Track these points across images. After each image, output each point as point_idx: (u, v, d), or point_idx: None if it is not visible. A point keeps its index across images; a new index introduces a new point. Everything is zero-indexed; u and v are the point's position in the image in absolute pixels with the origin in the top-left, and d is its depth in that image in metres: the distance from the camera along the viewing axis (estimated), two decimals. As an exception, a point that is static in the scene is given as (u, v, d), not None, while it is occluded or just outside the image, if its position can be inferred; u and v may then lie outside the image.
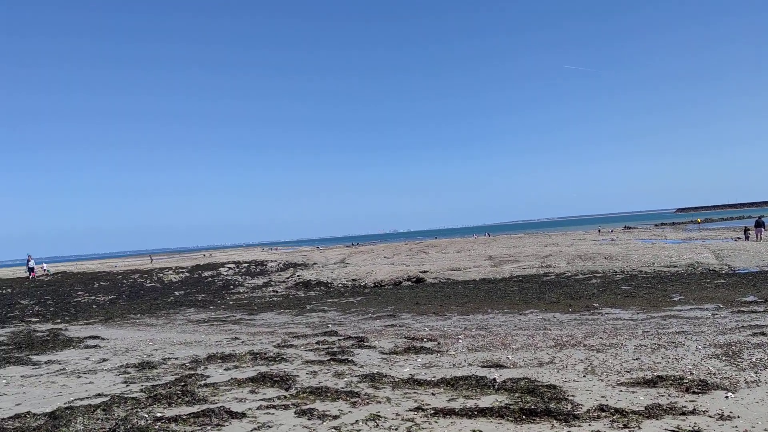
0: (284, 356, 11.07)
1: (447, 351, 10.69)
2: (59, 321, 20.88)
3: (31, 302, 27.18)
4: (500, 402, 7.00)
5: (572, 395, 7.14)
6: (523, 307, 17.09)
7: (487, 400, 7.13)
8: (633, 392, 7.17)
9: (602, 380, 7.85)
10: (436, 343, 11.60)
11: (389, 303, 20.44)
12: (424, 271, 31.08)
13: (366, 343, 12.00)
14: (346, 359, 10.29)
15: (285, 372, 9.49)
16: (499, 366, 9.15)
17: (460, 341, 11.64)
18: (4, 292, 32.59)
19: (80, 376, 10.40)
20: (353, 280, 30.26)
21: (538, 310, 16.30)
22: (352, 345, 11.92)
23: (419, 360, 9.98)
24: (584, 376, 8.13)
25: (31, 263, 44.90)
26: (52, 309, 24.64)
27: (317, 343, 12.55)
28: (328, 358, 10.57)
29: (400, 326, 14.65)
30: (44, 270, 48.41)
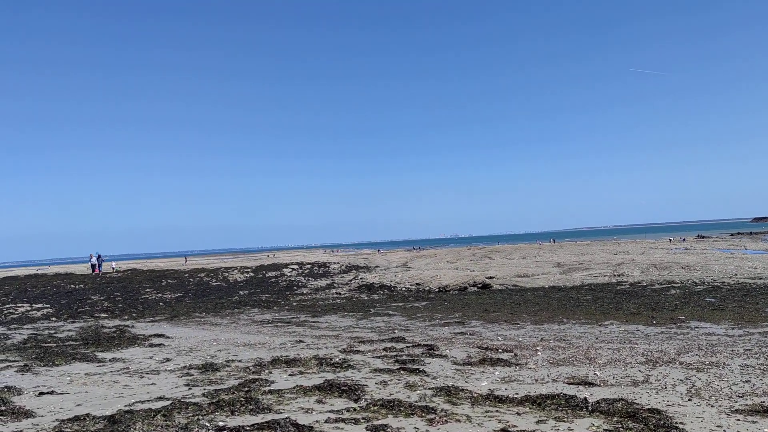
0: (351, 363, 10.51)
1: (526, 364, 9.89)
2: (126, 318, 21.06)
3: (101, 298, 27.70)
4: (598, 427, 6.20)
5: (681, 423, 6.26)
6: (601, 318, 16.04)
7: (581, 424, 6.34)
8: (753, 422, 6.24)
9: (712, 406, 6.92)
10: (512, 354, 10.81)
11: (456, 309, 19.67)
12: (490, 277, 30.11)
13: (437, 352, 11.32)
14: (417, 369, 9.63)
15: (353, 380, 8.92)
16: (587, 383, 8.30)
17: (539, 353, 10.81)
18: (76, 287, 33.48)
19: (143, 377, 10.13)
20: (417, 284, 29.60)
21: (618, 322, 15.23)
22: (422, 353, 11.25)
23: (497, 373, 9.23)
24: (689, 400, 7.21)
25: (93, 260, 46.32)
26: (120, 305, 24.99)
27: (384, 349, 11.95)
28: (398, 366, 9.93)
29: (470, 334, 13.88)
30: (112, 268, 49.75)
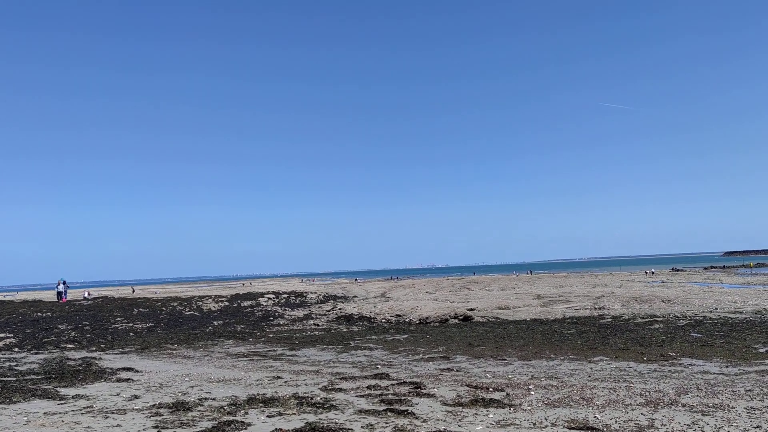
0: (333, 402, 9.84)
1: (520, 405, 9.30)
2: (94, 349, 20.07)
3: (69, 327, 26.56)
4: (611, 482, 5.64)
5: (700, 477, 5.73)
6: (589, 354, 15.56)
7: (592, 478, 5.77)
8: (778, 477, 5.73)
9: (729, 456, 6.41)
10: (504, 394, 10.23)
11: (439, 342, 19.07)
12: (471, 309, 29.59)
13: (424, 391, 10.69)
14: (405, 410, 8.99)
15: (337, 424, 8.25)
16: (589, 428, 7.74)
17: (532, 393, 10.24)
18: (44, 315, 32.22)
19: (107, 417, 9.33)
20: (397, 315, 28.94)
21: (607, 358, 14.76)
22: (409, 392, 10.62)
23: (491, 415, 8.63)
24: (703, 449, 6.70)
25: (60, 287, 44.95)
26: (88, 335, 23.93)
27: (368, 387, 11.29)
28: (384, 407, 9.28)
29: (457, 371, 13.28)
30: (84, 296, 48.30)
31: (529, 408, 9.08)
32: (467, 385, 11.18)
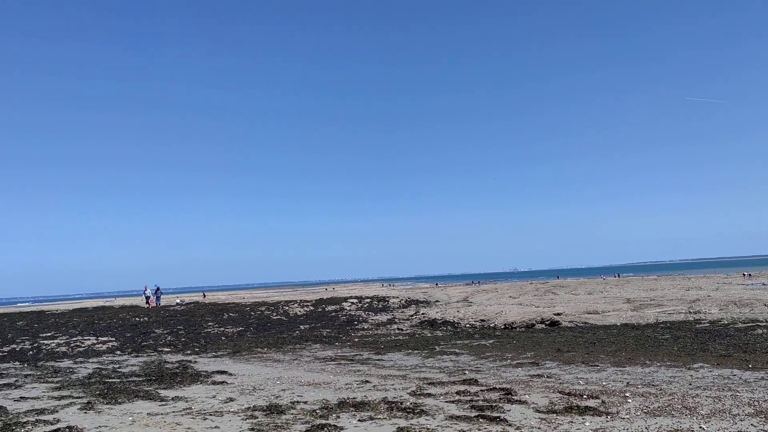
0: (423, 408, 9.81)
1: (617, 413, 8.96)
2: (189, 352, 20.90)
3: (165, 332, 27.81)
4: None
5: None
6: (687, 360, 14.81)
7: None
8: None
9: None
10: (599, 401, 9.89)
11: (526, 348, 18.68)
12: (558, 314, 28.85)
13: (515, 397, 10.49)
14: (498, 417, 8.85)
15: (428, 429, 8.22)
16: (695, 439, 7.37)
17: (629, 401, 9.85)
18: (141, 320, 33.86)
19: (206, 418, 9.68)
20: (481, 320, 28.61)
21: (708, 365, 14.01)
22: (499, 398, 10.45)
23: (587, 424, 8.36)
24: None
25: (148, 292, 47.16)
26: (183, 339, 24.96)
27: (457, 393, 11.20)
28: (475, 414, 9.17)
29: (547, 377, 12.96)
30: (177, 302, 50.43)
31: (627, 416, 8.73)
32: (559, 392, 10.89)
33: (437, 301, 45.52)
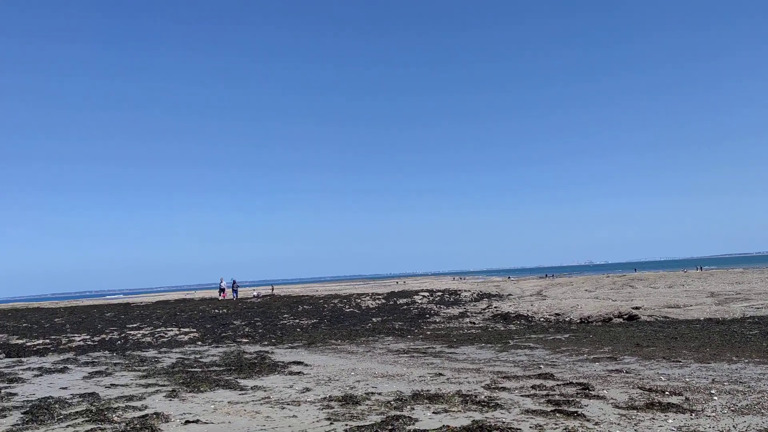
0: (498, 401, 9.73)
1: (702, 410, 8.62)
2: (266, 343, 21.46)
3: (243, 323, 28.66)
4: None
5: None
6: (779, 357, 14.08)
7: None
8: None
9: None
10: (683, 398, 9.53)
11: (604, 342, 18.20)
12: (637, 308, 27.95)
13: (592, 392, 10.25)
14: (575, 412, 8.67)
15: (504, 423, 8.15)
16: (788, 440, 7.01)
17: (715, 398, 9.45)
18: (220, 312, 35.04)
19: (284, 407, 9.94)
20: (556, 314, 28.06)
21: (802, 362, 13.27)
22: (576, 393, 10.24)
23: (670, 421, 8.08)
24: None
25: (223, 284, 48.62)
26: (260, 331, 25.65)
27: (533, 387, 11.04)
28: (552, 408, 9.02)
29: (626, 372, 12.59)
30: (254, 294, 51.84)
31: (713, 414, 8.38)
32: (640, 388, 10.56)
33: (510, 294, 44.97)
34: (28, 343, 23.95)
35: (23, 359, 18.96)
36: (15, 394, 12.15)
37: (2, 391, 12.59)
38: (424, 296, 43.75)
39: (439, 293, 46.12)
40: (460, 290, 49.31)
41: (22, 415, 9.87)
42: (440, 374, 13.14)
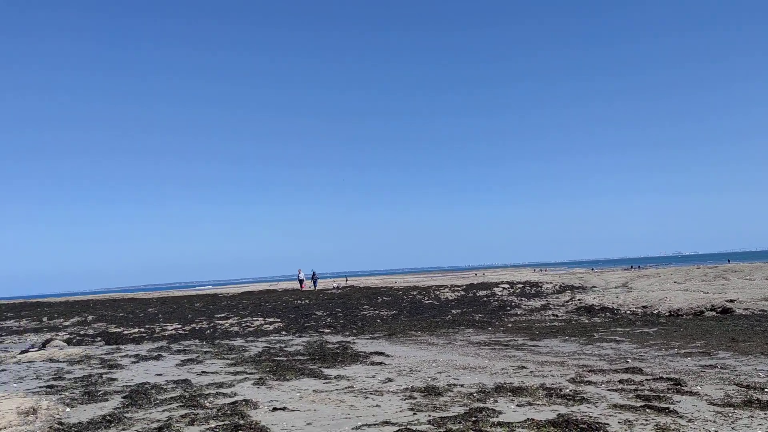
0: (584, 395, 9.51)
1: (807, 410, 8.13)
2: (348, 333, 21.82)
3: (324, 314, 29.24)
4: None
5: None
6: None
7: None
8: None
9: None
10: (784, 396, 9.02)
11: (695, 337, 17.45)
12: (731, 300, 26.56)
13: (684, 388, 9.86)
14: (666, 408, 8.37)
15: (591, 417, 7.97)
16: None
17: (821, 397, 8.89)
18: (303, 302, 35.85)
19: (367, 397, 10.09)
20: (643, 307, 27.08)
21: None
22: (667, 388, 9.87)
23: (772, 420, 7.67)
24: None
25: (302, 276, 49.52)
26: (341, 321, 26.09)
27: (620, 381, 10.73)
28: (641, 403, 8.74)
29: (721, 368, 12.03)
30: (335, 286, 52.70)
31: (820, 414, 7.90)
32: (736, 384, 10.07)
33: (594, 286, 43.71)
34: (125, 332, 25.33)
35: (121, 347, 20.08)
36: (115, 380, 12.90)
37: (103, 376, 13.39)
38: (504, 288, 43.18)
39: (520, 285, 45.39)
40: (541, 282, 48.34)
41: (122, 399, 10.48)
42: (523, 367, 12.97)
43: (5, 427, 8.39)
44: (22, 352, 18.50)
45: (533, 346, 17.06)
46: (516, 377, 11.64)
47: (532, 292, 40.45)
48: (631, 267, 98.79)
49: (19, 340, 25.93)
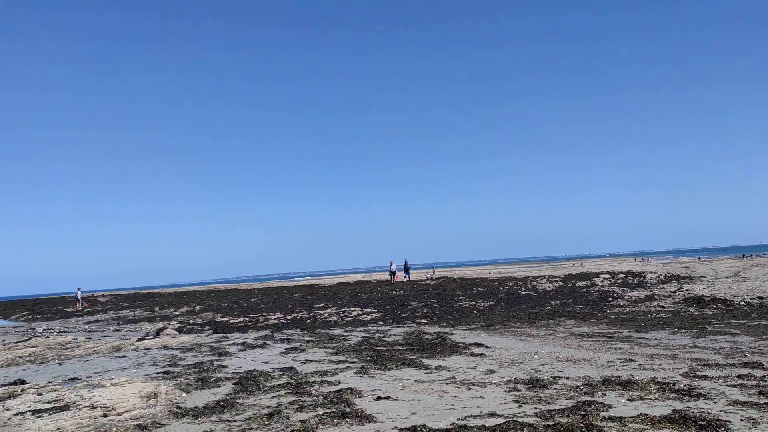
0: (700, 390, 9.04)
1: None
2: (444, 324, 21.80)
3: (420, 304, 29.35)
4: None
5: None
6: None
7: None
8: None
9: None
10: None
11: (821, 330, 16.20)
12: None
13: (814, 385, 9.17)
14: (795, 406, 7.81)
15: (710, 414, 7.56)
16: None
17: None
18: (397, 293, 36.16)
19: (470, 388, 10.03)
20: (759, 297, 25.41)
21: None
22: (794, 385, 9.22)
23: None
24: None
25: (393, 267, 49.66)
26: (438, 312, 26.10)
27: (739, 376, 10.12)
28: (765, 400, 8.20)
29: None
30: (428, 276, 52.76)
31: None
32: None
33: (702, 276, 41.46)
34: (231, 321, 26.47)
35: (228, 335, 20.98)
36: (225, 367, 13.50)
37: (214, 363, 14.04)
38: (604, 278, 41.74)
39: (621, 275, 43.73)
40: (644, 272, 46.34)
41: (233, 386, 10.95)
42: (630, 360, 12.48)
43: (130, 410, 8.96)
44: (139, 340, 19.72)
45: (640, 338, 16.39)
46: (624, 370, 11.23)
47: (635, 282, 38.86)
48: (743, 255, 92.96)
49: (135, 328, 27.69)
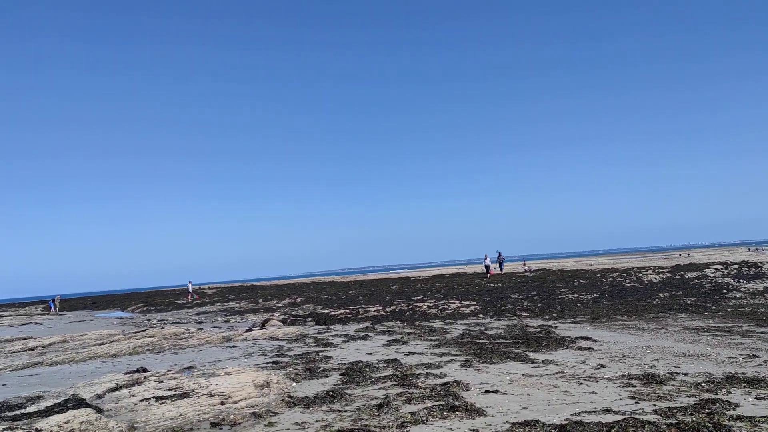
0: (839, 390, 8.34)
1: None
2: (547, 317, 21.29)
3: (520, 297, 28.82)
4: None
5: None
6: None
7: None
8: None
9: None
10: None
11: None
12: None
13: None
14: None
15: None
16: None
17: None
18: (496, 285, 35.69)
19: (581, 383, 9.73)
20: None
21: None
22: None
23: None
24: None
25: (488, 261, 48.75)
26: (539, 305, 25.53)
27: None
28: None
29: None
30: (526, 269, 51.73)
31: None
32: None
33: (829, 266, 38.33)
34: (332, 313, 27.03)
35: (330, 327, 21.44)
36: (330, 357, 13.79)
37: (320, 354, 14.38)
38: (716, 269, 39.40)
39: (735, 266, 41.14)
40: (760, 262, 43.36)
41: (339, 376, 11.17)
42: (755, 356, 11.70)
43: (245, 398, 9.32)
44: (247, 331, 20.52)
45: (762, 333, 15.33)
46: (748, 367, 10.54)
47: (751, 273, 36.45)
48: None
49: (242, 319, 28.85)
